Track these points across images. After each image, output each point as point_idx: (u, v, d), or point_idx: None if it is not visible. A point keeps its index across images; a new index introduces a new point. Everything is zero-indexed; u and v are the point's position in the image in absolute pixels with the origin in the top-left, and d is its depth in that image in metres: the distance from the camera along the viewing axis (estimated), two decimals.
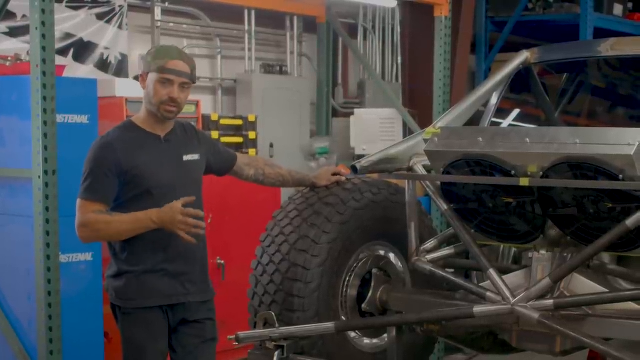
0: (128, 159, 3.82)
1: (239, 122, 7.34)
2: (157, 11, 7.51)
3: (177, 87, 3.85)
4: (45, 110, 4.73)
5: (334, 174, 4.37)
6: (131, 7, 7.38)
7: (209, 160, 4.12)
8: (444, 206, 4.15)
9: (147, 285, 3.88)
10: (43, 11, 4.68)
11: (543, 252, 4.00)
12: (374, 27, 9.34)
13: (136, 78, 4.01)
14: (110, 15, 7.18)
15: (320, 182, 4.34)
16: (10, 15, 6.40)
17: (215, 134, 7.06)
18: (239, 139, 7.27)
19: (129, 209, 3.82)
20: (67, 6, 6.90)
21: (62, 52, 6.75)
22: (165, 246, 3.88)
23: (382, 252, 4.49)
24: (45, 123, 4.74)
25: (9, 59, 5.65)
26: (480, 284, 4.07)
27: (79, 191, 3.84)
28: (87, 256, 5.47)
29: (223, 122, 7.21)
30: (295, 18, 8.67)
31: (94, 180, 3.81)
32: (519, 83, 5.24)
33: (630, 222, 3.58)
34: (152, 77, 3.86)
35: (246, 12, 8.17)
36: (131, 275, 3.89)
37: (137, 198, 3.84)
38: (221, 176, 4.31)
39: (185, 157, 3.98)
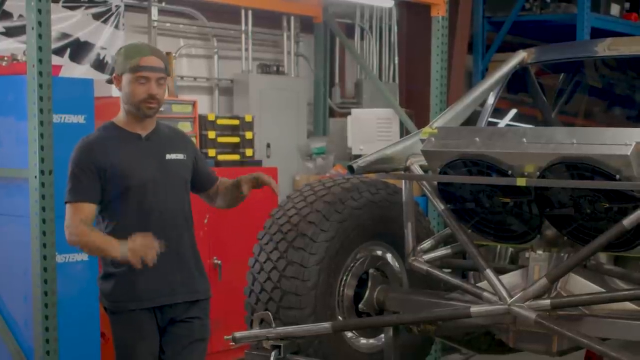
0: (106, 157, 3.82)
1: (236, 122, 7.33)
2: (154, 11, 7.49)
3: (154, 83, 3.85)
4: (41, 110, 4.73)
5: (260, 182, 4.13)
6: (128, 7, 7.35)
7: (195, 165, 4.09)
8: (441, 206, 4.14)
9: (131, 286, 3.89)
10: (39, 11, 4.68)
11: (540, 252, 4.00)
12: (371, 27, 9.32)
13: (109, 81, 3.98)
14: (107, 15, 7.17)
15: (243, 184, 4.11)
16: (7, 15, 6.39)
17: (212, 134, 7.05)
18: (236, 139, 7.26)
19: (113, 207, 3.82)
20: (63, 6, 6.88)
21: (59, 52, 6.73)
22: None
23: (379, 252, 4.48)
24: (41, 123, 4.74)
25: (6, 58, 5.64)
26: (477, 284, 4.07)
27: (65, 196, 3.85)
28: (84, 256, 5.46)
29: (220, 122, 7.19)
30: (292, 18, 8.65)
31: (75, 181, 3.83)
32: (516, 83, 5.23)
33: (627, 222, 3.58)
34: (127, 77, 3.86)
35: (243, 12, 8.15)
36: (116, 277, 3.90)
37: (119, 196, 3.84)
38: (197, 193, 4.20)
39: (169, 156, 3.97)
